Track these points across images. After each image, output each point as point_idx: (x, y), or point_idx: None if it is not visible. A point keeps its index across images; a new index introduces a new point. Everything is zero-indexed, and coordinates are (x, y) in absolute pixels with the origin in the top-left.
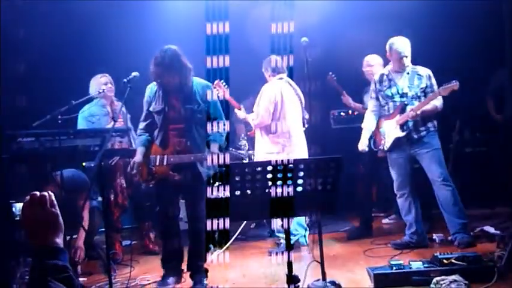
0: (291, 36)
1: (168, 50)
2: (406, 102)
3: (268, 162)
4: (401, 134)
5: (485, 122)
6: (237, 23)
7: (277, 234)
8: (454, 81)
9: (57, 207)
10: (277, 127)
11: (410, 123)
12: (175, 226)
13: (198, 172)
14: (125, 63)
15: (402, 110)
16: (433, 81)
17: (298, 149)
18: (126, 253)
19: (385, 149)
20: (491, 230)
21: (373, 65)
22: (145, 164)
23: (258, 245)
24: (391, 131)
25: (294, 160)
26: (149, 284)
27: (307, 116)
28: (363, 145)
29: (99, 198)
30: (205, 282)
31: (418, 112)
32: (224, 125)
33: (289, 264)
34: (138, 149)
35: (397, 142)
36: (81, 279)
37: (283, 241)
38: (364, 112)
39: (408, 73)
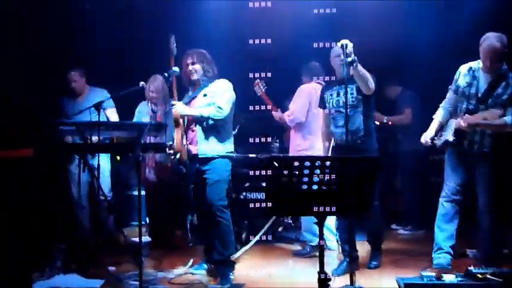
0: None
1: None
2: (480, 108)
3: (306, 157)
4: (451, 138)
5: None
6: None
7: (304, 236)
8: None
9: None
10: (311, 124)
11: (472, 134)
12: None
13: None
14: None
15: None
16: None
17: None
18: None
19: (436, 146)
20: None
21: None
22: None
23: (284, 247)
24: (448, 132)
25: (332, 157)
26: (175, 277)
27: None
28: (426, 137)
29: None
30: (231, 276)
31: (473, 123)
32: None
33: (321, 263)
34: None
35: (453, 145)
36: (110, 268)
37: (309, 244)
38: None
39: (499, 76)
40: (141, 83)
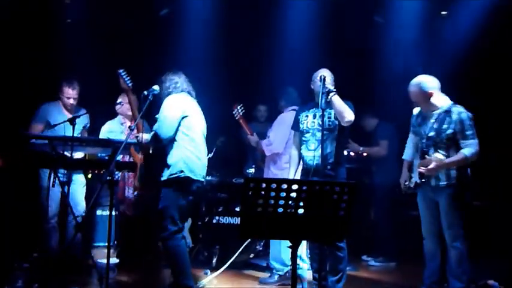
0: None
1: None
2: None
3: (284, 180)
4: (419, 181)
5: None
6: None
7: (272, 263)
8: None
9: None
10: (288, 154)
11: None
12: None
13: None
14: None
15: (423, 155)
16: (466, 125)
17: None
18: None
19: (411, 188)
20: (495, 284)
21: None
22: None
23: (253, 274)
24: (415, 174)
25: (309, 181)
26: None
27: None
28: (401, 181)
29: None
30: None
31: (432, 170)
32: None
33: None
34: None
35: (419, 184)
36: None
37: (277, 273)
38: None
39: (444, 112)
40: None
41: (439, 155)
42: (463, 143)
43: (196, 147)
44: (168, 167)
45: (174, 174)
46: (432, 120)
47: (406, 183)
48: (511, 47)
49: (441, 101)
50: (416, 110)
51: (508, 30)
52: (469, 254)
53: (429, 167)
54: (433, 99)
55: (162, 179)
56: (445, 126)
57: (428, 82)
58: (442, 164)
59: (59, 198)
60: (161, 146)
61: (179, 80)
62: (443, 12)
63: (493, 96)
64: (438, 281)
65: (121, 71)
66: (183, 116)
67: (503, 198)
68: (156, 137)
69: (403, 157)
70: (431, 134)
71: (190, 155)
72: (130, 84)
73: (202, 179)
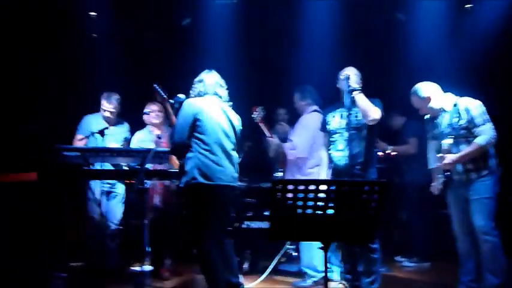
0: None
1: None
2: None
3: (312, 181)
4: (444, 178)
5: None
6: None
7: (304, 269)
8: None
9: None
10: (312, 160)
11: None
12: None
13: None
14: None
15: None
16: (474, 113)
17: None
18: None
19: (441, 188)
20: None
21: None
22: None
23: (285, 280)
24: (440, 174)
25: (337, 181)
26: None
27: None
28: (433, 188)
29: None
30: None
31: (451, 163)
32: None
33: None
34: None
35: (447, 182)
36: None
37: (311, 279)
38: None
39: (449, 111)
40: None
41: (448, 141)
42: (475, 131)
43: (212, 150)
44: (185, 174)
45: (188, 181)
46: (444, 120)
47: (439, 187)
48: None
49: (444, 101)
50: (427, 117)
51: None
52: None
53: (444, 161)
54: (432, 103)
55: (180, 185)
56: (455, 120)
57: (424, 88)
58: (456, 158)
59: (99, 210)
60: (179, 152)
61: (203, 83)
62: (467, 6)
63: None
64: (476, 279)
65: (155, 84)
66: (194, 120)
67: None
68: (170, 144)
69: (429, 167)
70: (448, 131)
71: (205, 159)
72: (166, 96)
73: (225, 183)
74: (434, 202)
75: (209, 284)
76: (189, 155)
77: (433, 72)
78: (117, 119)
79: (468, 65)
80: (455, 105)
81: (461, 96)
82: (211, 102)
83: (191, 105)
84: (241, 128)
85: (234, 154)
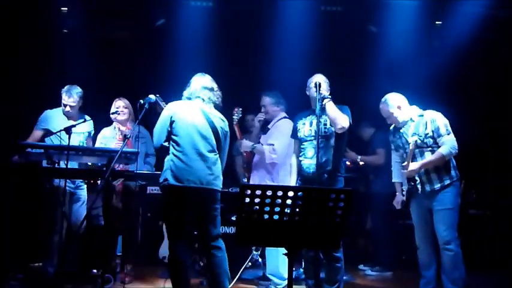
0: None
1: None
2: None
3: (280, 187)
4: (406, 187)
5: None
6: None
7: (269, 276)
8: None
9: None
10: (286, 165)
11: (420, 176)
12: None
13: None
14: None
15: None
16: (439, 123)
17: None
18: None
19: (404, 197)
20: None
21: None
22: None
23: (249, 286)
24: (404, 181)
25: (304, 188)
26: None
27: None
28: (397, 203)
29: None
30: None
31: (414, 170)
32: None
33: None
34: None
35: (411, 192)
36: None
37: (274, 283)
38: None
39: (414, 122)
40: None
41: (414, 138)
42: (439, 141)
43: (183, 151)
44: (161, 175)
45: (161, 182)
46: (410, 130)
47: (399, 201)
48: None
49: (411, 111)
50: (391, 127)
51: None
52: (465, 262)
53: (407, 169)
54: (401, 113)
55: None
56: (421, 129)
57: (393, 98)
58: (418, 166)
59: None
60: (161, 155)
61: (189, 87)
62: (437, 22)
63: (485, 103)
64: None
65: (157, 97)
66: (170, 122)
67: (498, 208)
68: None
69: (393, 180)
70: (413, 141)
71: (177, 161)
72: (165, 106)
73: (195, 185)
74: (399, 213)
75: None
76: (167, 157)
77: (402, 85)
78: (79, 114)
79: (435, 78)
80: (421, 115)
81: (424, 109)
82: (189, 105)
83: (167, 109)
84: (226, 129)
85: (211, 156)
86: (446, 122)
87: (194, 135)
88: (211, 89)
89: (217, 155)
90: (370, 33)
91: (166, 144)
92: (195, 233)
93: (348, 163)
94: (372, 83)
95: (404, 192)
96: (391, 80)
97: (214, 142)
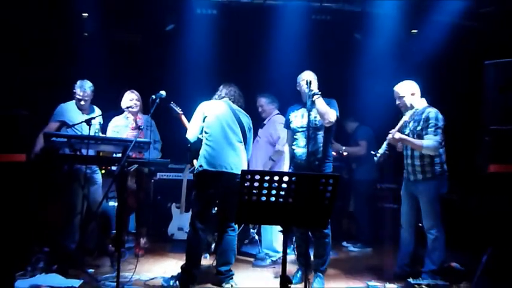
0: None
1: None
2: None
3: (276, 173)
4: (382, 150)
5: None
6: None
7: (264, 251)
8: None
9: None
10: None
11: (407, 165)
12: None
13: None
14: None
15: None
16: (430, 122)
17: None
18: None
19: (379, 159)
20: (457, 266)
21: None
22: None
23: (246, 259)
24: (383, 146)
25: (298, 174)
26: (150, 280)
27: None
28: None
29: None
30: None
31: (398, 138)
32: None
33: (284, 269)
34: None
35: (386, 155)
36: (89, 270)
37: (270, 258)
38: None
39: (416, 114)
40: (162, 92)
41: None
42: (425, 135)
43: (215, 141)
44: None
45: (196, 169)
46: (410, 120)
47: (377, 155)
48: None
49: (419, 103)
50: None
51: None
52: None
53: (391, 136)
54: (411, 98)
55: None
56: (416, 124)
57: (409, 84)
58: (403, 138)
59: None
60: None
61: (220, 90)
62: (413, 31)
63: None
64: (409, 264)
65: (171, 103)
66: (204, 117)
67: (471, 193)
68: (186, 139)
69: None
70: (407, 132)
71: (209, 150)
72: (180, 111)
73: (227, 170)
74: (377, 197)
75: (186, 261)
76: (201, 147)
77: (383, 85)
78: (89, 106)
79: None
80: (422, 111)
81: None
82: (218, 104)
83: (200, 106)
84: (250, 124)
85: (239, 145)
86: (438, 123)
87: (225, 128)
88: (237, 93)
89: (243, 146)
90: (355, 40)
91: (200, 136)
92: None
93: (333, 153)
94: (356, 83)
95: (378, 154)
96: (374, 81)
97: (241, 134)
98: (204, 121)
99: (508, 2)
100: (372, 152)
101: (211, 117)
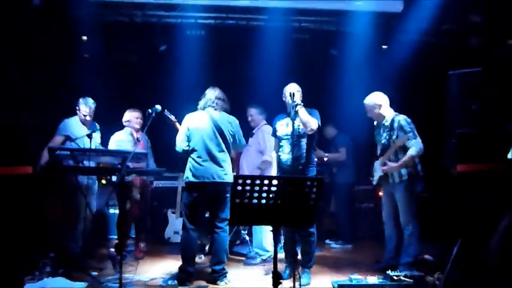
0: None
1: None
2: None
3: (266, 177)
4: (379, 176)
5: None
6: None
7: (255, 250)
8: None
9: None
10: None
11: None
12: None
13: None
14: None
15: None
16: (407, 129)
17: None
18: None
19: (374, 182)
20: (430, 258)
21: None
22: None
23: (238, 258)
24: (378, 172)
25: (285, 178)
26: (150, 280)
27: None
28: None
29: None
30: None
31: (390, 170)
32: None
33: (275, 265)
34: None
35: (382, 180)
36: (93, 273)
37: (260, 257)
38: None
39: (387, 125)
40: (157, 106)
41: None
42: (408, 143)
43: (198, 154)
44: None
45: (184, 180)
46: (383, 130)
47: (372, 179)
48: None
49: (388, 113)
50: (374, 123)
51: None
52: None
53: (384, 167)
54: (381, 111)
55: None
56: (390, 133)
57: (377, 96)
58: (395, 166)
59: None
60: (183, 157)
61: (204, 98)
62: (383, 46)
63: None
64: (395, 257)
65: (165, 111)
66: (187, 130)
67: (440, 191)
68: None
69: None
70: (383, 141)
71: (194, 162)
72: (174, 119)
73: (210, 180)
74: (357, 198)
75: (182, 261)
76: (188, 159)
77: (357, 97)
78: (91, 121)
79: (384, 92)
80: (392, 120)
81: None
82: (200, 115)
83: (185, 119)
84: (233, 130)
85: (221, 155)
86: (413, 126)
87: (206, 141)
88: (221, 99)
89: (227, 154)
90: (332, 55)
91: (186, 148)
92: (206, 215)
93: (315, 159)
94: (333, 94)
95: (375, 179)
96: (350, 92)
97: (223, 144)
98: (188, 133)
99: (465, 19)
100: (370, 178)
101: (194, 131)
